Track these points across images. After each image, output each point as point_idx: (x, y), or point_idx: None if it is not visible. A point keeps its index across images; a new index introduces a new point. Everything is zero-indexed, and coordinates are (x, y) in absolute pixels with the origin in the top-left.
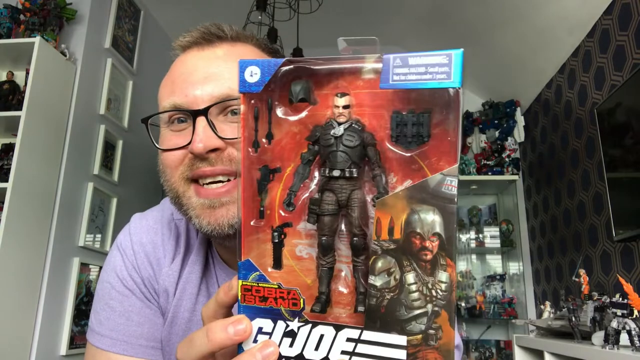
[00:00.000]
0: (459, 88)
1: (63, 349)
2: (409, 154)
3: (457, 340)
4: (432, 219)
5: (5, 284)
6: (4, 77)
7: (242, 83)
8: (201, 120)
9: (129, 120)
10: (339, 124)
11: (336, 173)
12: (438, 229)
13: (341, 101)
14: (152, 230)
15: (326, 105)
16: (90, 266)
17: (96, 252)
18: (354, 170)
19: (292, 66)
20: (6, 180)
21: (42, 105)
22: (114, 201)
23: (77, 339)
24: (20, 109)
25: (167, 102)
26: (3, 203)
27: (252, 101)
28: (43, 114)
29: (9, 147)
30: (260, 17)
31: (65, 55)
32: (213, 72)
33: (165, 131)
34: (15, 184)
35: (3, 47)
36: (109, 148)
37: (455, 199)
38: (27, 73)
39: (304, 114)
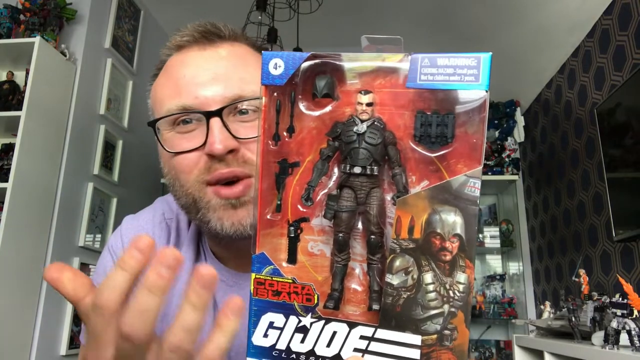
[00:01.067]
0: (486, 91)
1: (63, 349)
2: (432, 155)
3: None
4: (453, 220)
5: (5, 284)
6: (4, 77)
7: (266, 75)
8: (217, 122)
9: (129, 120)
10: (362, 121)
11: (357, 170)
12: (459, 230)
13: (365, 98)
14: (143, 230)
15: (346, 101)
16: (90, 266)
17: (96, 252)
18: (375, 167)
19: (317, 61)
20: (6, 180)
21: (42, 105)
22: (114, 201)
23: (77, 339)
24: (20, 109)
25: (172, 104)
26: (3, 203)
27: (275, 94)
28: (43, 114)
29: (9, 147)
30: (260, 17)
31: (65, 55)
32: (221, 73)
33: (171, 134)
34: (15, 184)
35: (3, 47)
36: (109, 148)
37: (478, 201)
38: (27, 73)
39: (328, 108)
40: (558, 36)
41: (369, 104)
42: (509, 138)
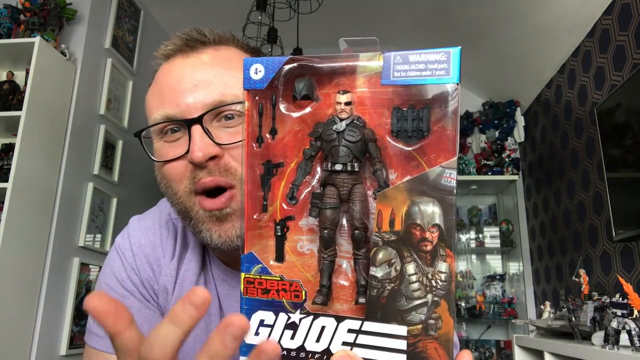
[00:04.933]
0: (457, 84)
1: (63, 349)
2: (409, 148)
3: (455, 339)
4: (432, 210)
5: (5, 284)
6: (4, 77)
7: (247, 80)
8: (197, 129)
9: (129, 120)
10: (341, 120)
11: (338, 167)
12: (438, 220)
13: (343, 98)
14: (150, 231)
15: (327, 103)
16: (90, 266)
17: (96, 252)
18: (356, 164)
19: (295, 64)
20: (6, 180)
21: (42, 105)
22: (114, 201)
23: (77, 339)
24: (20, 109)
25: (158, 114)
26: (3, 203)
27: (257, 98)
28: (43, 114)
29: (9, 147)
30: (260, 17)
31: (65, 55)
32: (202, 79)
33: (160, 144)
34: (15, 184)
35: (3, 47)
36: (109, 148)
37: (454, 191)
38: (27, 73)
39: (307, 110)
40: (558, 36)
41: (347, 103)
42: (509, 138)
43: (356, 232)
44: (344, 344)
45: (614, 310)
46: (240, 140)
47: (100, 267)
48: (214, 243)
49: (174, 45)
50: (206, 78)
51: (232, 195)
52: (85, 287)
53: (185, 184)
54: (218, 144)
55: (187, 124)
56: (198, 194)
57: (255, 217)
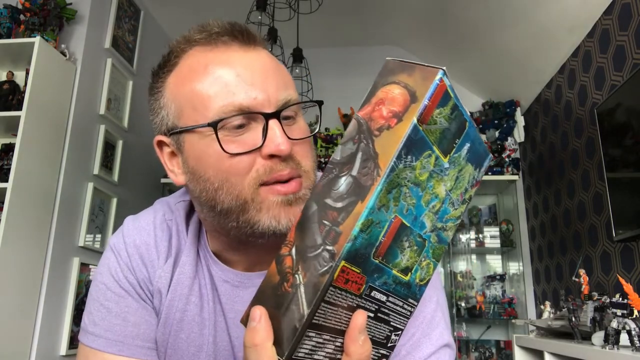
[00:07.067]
0: None
1: (63, 349)
2: None
3: (448, 339)
4: None
5: (5, 284)
6: (4, 77)
7: None
8: (276, 123)
9: (129, 121)
10: None
11: None
12: None
13: None
14: (144, 231)
15: None
16: (90, 266)
17: (96, 252)
18: None
19: None
20: (6, 180)
21: (42, 105)
22: (114, 201)
23: (77, 339)
24: (20, 109)
25: (225, 104)
26: (3, 203)
27: None
28: (43, 114)
29: (9, 147)
30: (260, 17)
31: (65, 55)
32: (270, 76)
33: (219, 136)
34: (15, 184)
35: (3, 47)
36: (109, 148)
37: None
38: (27, 73)
39: None
40: (558, 36)
41: None
42: (509, 138)
43: None
44: None
45: (614, 310)
46: (308, 137)
47: None
48: (279, 229)
49: (229, 35)
50: (272, 75)
51: (301, 181)
52: (85, 287)
53: (253, 176)
54: (291, 139)
55: (265, 117)
56: (264, 185)
57: None
